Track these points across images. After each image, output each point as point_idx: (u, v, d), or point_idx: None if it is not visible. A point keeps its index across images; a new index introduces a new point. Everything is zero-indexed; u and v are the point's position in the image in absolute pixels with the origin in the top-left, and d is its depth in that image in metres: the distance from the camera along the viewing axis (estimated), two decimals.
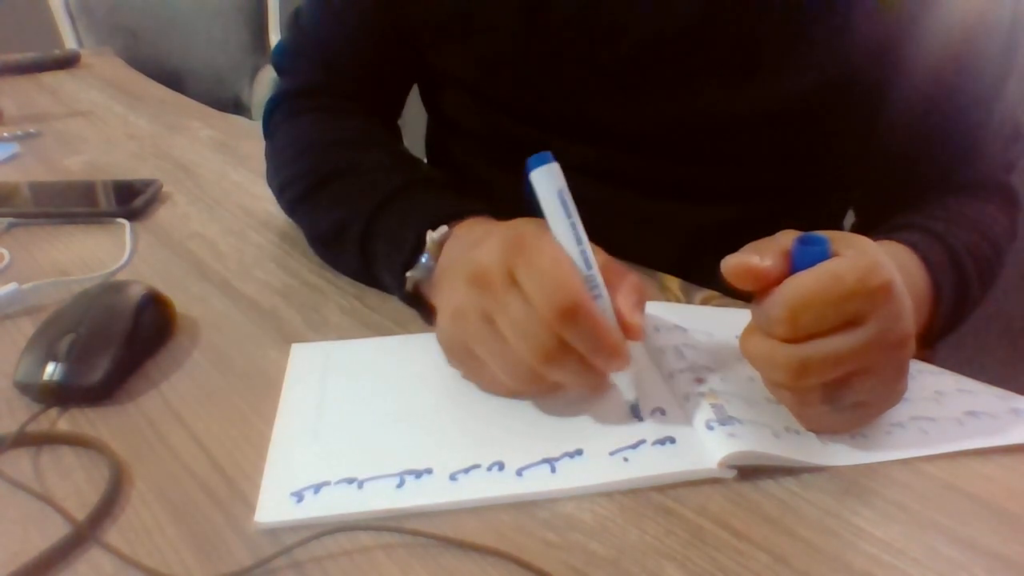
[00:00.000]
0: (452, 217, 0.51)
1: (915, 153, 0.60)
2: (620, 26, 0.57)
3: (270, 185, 0.68)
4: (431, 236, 0.50)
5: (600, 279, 0.41)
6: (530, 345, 0.39)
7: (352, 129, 0.65)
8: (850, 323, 0.36)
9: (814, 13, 0.54)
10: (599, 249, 0.42)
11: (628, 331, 0.41)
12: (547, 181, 0.40)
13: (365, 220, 0.54)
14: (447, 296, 0.44)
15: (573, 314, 0.38)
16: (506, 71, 0.63)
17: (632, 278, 0.42)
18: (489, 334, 0.41)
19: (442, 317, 0.44)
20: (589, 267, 0.40)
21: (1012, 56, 0.57)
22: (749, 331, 0.39)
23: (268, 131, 0.70)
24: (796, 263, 0.37)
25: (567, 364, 0.39)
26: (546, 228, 0.41)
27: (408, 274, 0.51)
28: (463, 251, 0.46)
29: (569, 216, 0.41)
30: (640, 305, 0.42)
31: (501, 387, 0.43)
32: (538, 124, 0.65)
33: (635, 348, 0.41)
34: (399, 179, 0.56)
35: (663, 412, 0.42)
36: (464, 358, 0.44)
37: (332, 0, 0.68)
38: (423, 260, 0.50)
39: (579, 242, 0.40)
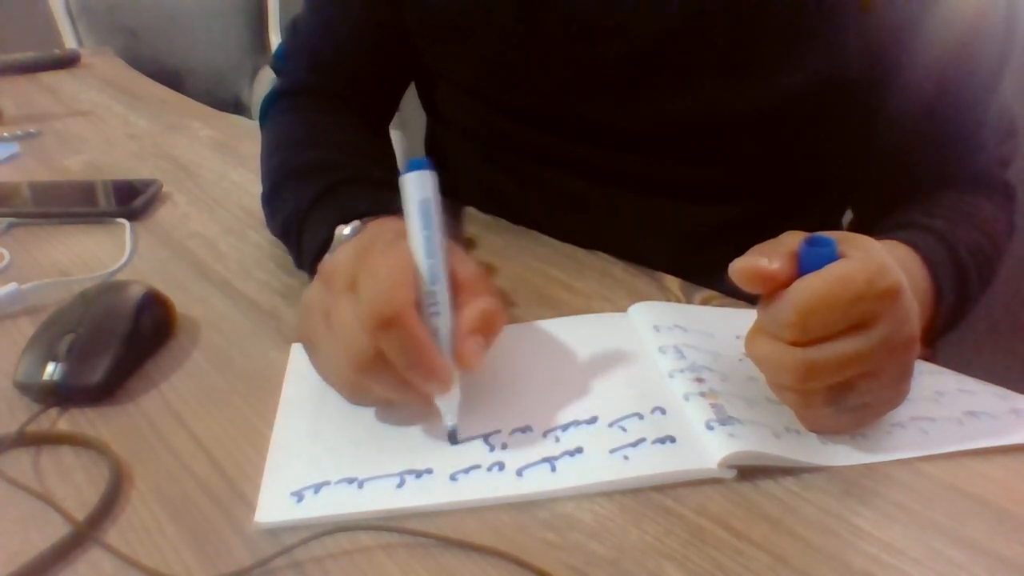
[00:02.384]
0: (367, 214, 0.50)
1: (912, 150, 0.60)
2: (616, 25, 0.57)
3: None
4: (340, 232, 0.50)
5: (445, 296, 0.40)
6: (348, 351, 0.38)
7: (315, 128, 0.66)
8: (858, 326, 0.36)
9: (810, 11, 0.54)
10: (470, 263, 0.42)
11: (458, 356, 0.40)
12: (413, 189, 0.40)
13: (299, 218, 0.55)
14: (308, 288, 0.44)
15: (389, 325, 0.37)
16: (503, 72, 0.63)
17: (484, 303, 0.41)
18: (324, 332, 0.40)
19: (299, 305, 0.44)
20: (434, 282, 0.39)
21: (1007, 51, 0.57)
22: (755, 333, 0.39)
23: (261, 129, 0.72)
24: (803, 265, 0.37)
25: (382, 376, 0.38)
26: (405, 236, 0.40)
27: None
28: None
29: (426, 228, 0.40)
30: (483, 331, 0.40)
31: (332, 384, 0.42)
32: (535, 124, 0.65)
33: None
34: (334, 177, 0.56)
35: (663, 412, 0.42)
36: (308, 348, 0.43)
37: (322, 6, 0.69)
38: (327, 254, 0.49)
39: (430, 255, 0.40)
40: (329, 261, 0.42)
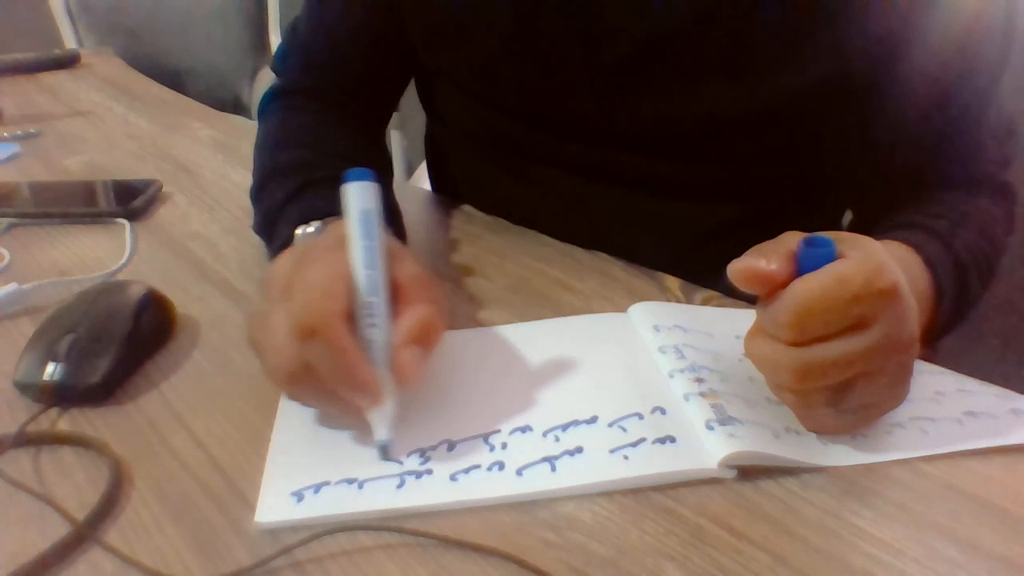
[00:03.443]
0: (329, 215, 0.50)
1: (912, 150, 0.60)
2: (614, 26, 0.57)
3: None
4: (299, 232, 0.50)
5: (383, 308, 0.39)
6: (276, 359, 0.38)
7: (303, 128, 0.66)
8: (856, 326, 0.36)
9: (809, 12, 0.54)
10: (416, 274, 0.41)
11: (396, 369, 0.39)
12: (354, 199, 0.40)
13: (271, 219, 0.56)
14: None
15: (313, 336, 0.36)
16: (501, 72, 0.63)
17: (423, 313, 0.40)
18: (262, 339, 0.40)
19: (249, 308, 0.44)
20: (371, 294, 0.39)
21: (1007, 52, 0.57)
22: (753, 333, 0.39)
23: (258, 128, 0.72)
24: (802, 265, 0.37)
25: (310, 387, 0.38)
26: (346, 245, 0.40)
27: None
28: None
29: (365, 239, 0.39)
30: (421, 343, 0.39)
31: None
32: (535, 124, 0.65)
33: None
34: (306, 177, 0.56)
35: (663, 412, 0.42)
36: (254, 350, 0.43)
37: (319, 8, 0.69)
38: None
39: (368, 266, 0.39)
40: (271, 267, 0.42)
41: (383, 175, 0.66)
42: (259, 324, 0.40)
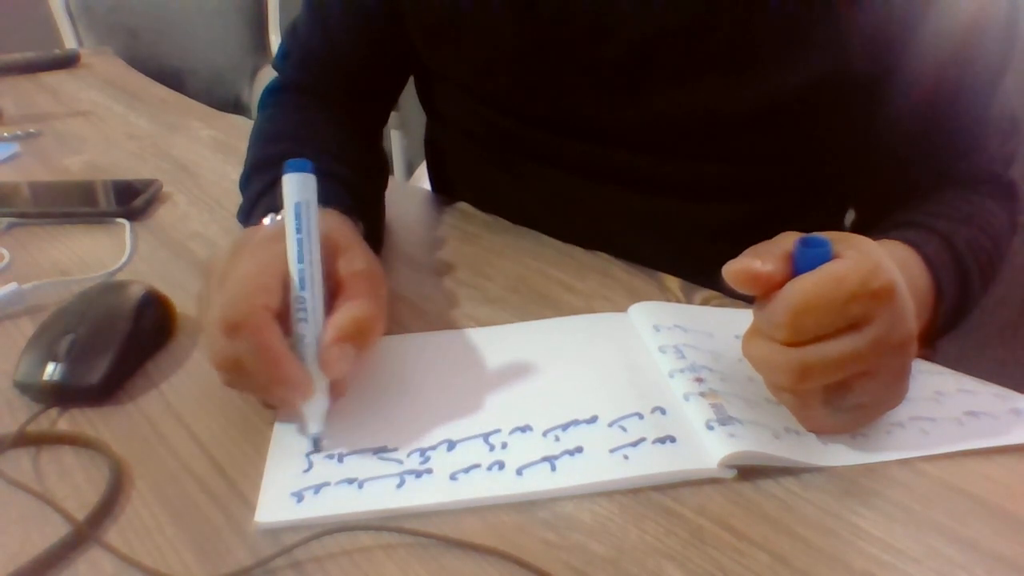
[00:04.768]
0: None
1: (914, 148, 0.60)
2: (614, 24, 0.57)
3: None
4: (266, 222, 0.49)
5: (316, 303, 0.40)
6: (210, 351, 0.39)
7: (292, 123, 0.67)
8: (852, 326, 0.36)
9: (810, 9, 0.54)
10: (359, 269, 0.42)
11: (322, 364, 0.39)
12: (291, 189, 0.40)
13: (249, 211, 0.57)
14: None
15: (237, 332, 0.37)
16: (501, 71, 0.63)
17: (357, 310, 0.40)
18: (206, 325, 0.41)
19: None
20: (303, 288, 0.39)
21: (1009, 50, 0.57)
22: (751, 334, 0.39)
23: None
24: (798, 265, 0.37)
25: (243, 378, 0.39)
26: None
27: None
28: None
29: (299, 231, 0.39)
30: (354, 339, 0.39)
31: None
32: (534, 123, 0.65)
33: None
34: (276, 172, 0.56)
35: (663, 412, 0.42)
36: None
37: (318, 7, 0.69)
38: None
39: (300, 260, 0.39)
40: (211, 258, 0.43)
41: (375, 173, 0.67)
42: (201, 312, 0.42)
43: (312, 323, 0.39)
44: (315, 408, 0.40)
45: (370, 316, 0.41)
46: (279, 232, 0.41)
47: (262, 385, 0.39)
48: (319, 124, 0.66)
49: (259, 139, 0.65)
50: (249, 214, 0.56)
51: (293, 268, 0.39)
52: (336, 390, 0.41)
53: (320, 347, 0.39)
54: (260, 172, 0.59)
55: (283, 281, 0.40)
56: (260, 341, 0.37)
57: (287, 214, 0.40)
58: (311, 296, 0.39)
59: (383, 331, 0.42)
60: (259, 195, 0.56)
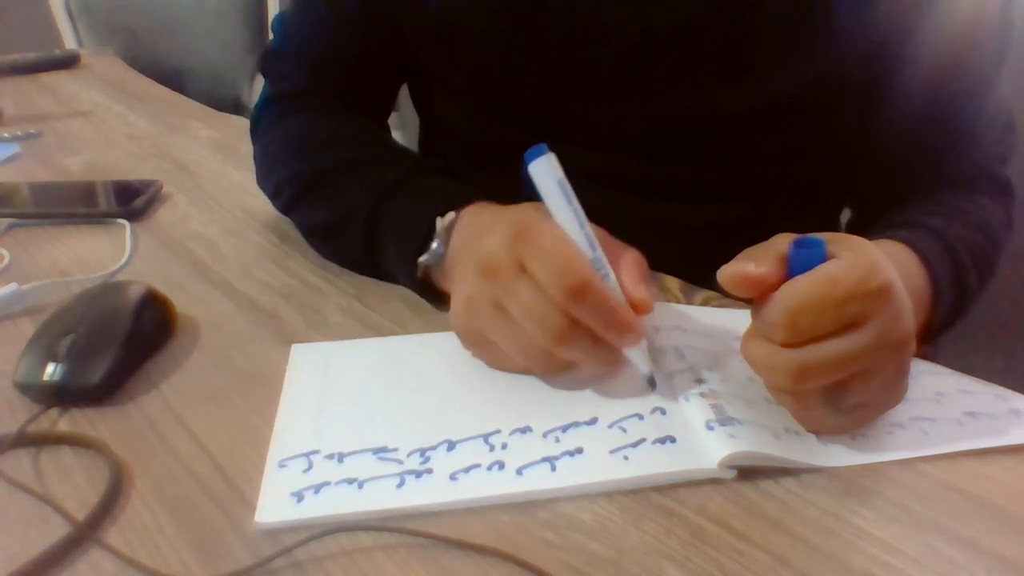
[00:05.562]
0: (458, 203, 0.52)
1: (910, 148, 0.60)
2: (612, 27, 0.57)
3: (262, 188, 0.68)
4: (440, 222, 0.51)
5: (605, 260, 0.42)
6: (543, 327, 0.40)
7: (343, 127, 0.66)
8: (849, 326, 0.36)
9: (806, 11, 0.54)
10: (599, 228, 0.43)
11: (635, 306, 0.42)
12: (546, 172, 0.41)
13: (368, 210, 0.55)
14: (459, 285, 0.45)
15: (582, 294, 0.39)
16: (498, 76, 0.63)
17: (633, 254, 0.44)
18: (502, 321, 0.42)
19: (455, 305, 0.45)
20: (594, 249, 0.42)
21: (1004, 49, 0.58)
22: (749, 335, 0.39)
23: (256, 135, 0.70)
24: (793, 267, 0.37)
25: (579, 342, 0.41)
26: (547, 214, 0.42)
27: (420, 260, 0.52)
28: (472, 237, 0.47)
29: (570, 203, 0.42)
30: (644, 279, 0.43)
31: (516, 367, 0.45)
32: (531, 127, 0.65)
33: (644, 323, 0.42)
34: (401, 170, 0.57)
35: (663, 412, 0.42)
36: (478, 342, 0.45)
37: (316, 4, 0.68)
38: (434, 246, 0.51)
39: (582, 226, 0.42)
40: (480, 253, 0.42)
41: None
42: (490, 309, 0.42)
43: (612, 277, 0.42)
44: (642, 350, 0.43)
45: (641, 257, 0.44)
46: (533, 212, 0.43)
47: (596, 346, 0.41)
48: (355, 125, 0.66)
49: (303, 149, 0.64)
50: (376, 214, 0.55)
51: (578, 235, 0.42)
52: (639, 334, 0.42)
53: (628, 292, 0.42)
54: (341, 175, 0.59)
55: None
56: (605, 297, 0.40)
57: (553, 193, 0.42)
58: (601, 255, 0.42)
59: None
60: (383, 197, 0.55)
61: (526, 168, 0.41)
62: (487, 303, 0.42)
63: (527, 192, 0.42)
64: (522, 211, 0.44)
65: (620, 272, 0.43)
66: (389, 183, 0.56)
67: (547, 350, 0.41)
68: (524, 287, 0.40)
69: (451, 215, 0.51)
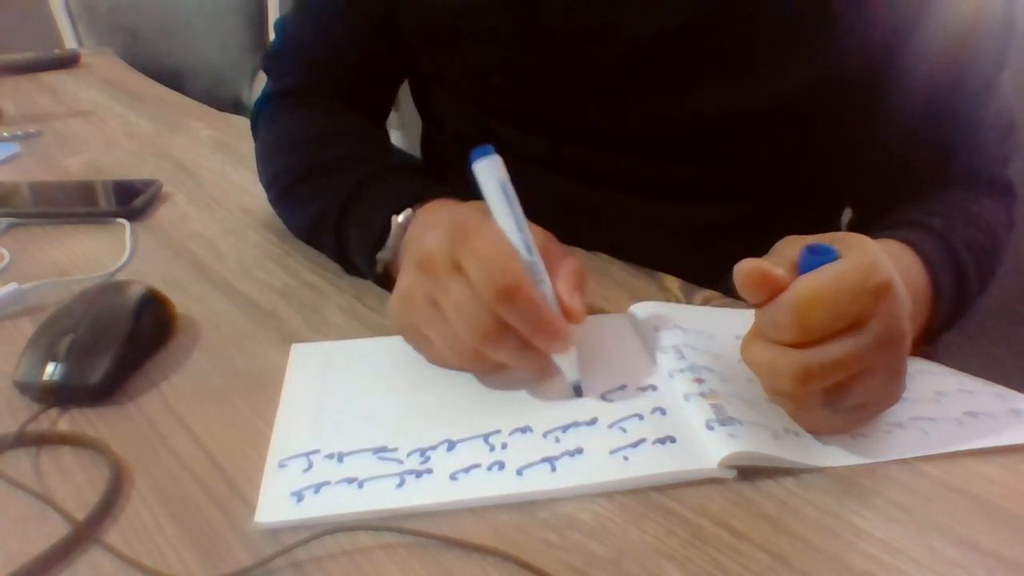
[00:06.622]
0: (415, 201, 0.52)
1: (911, 148, 0.60)
2: (612, 28, 0.57)
3: (261, 182, 0.69)
4: (396, 220, 0.52)
5: (541, 265, 0.42)
6: (471, 326, 0.40)
7: (331, 125, 0.67)
8: (852, 326, 0.36)
9: (808, 11, 0.54)
10: (541, 231, 0.44)
11: (568, 313, 0.42)
12: (489, 173, 0.42)
13: (338, 210, 0.57)
14: (400, 278, 0.46)
15: (512, 296, 0.39)
16: (499, 76, 0.63)
17: (571, 262, 0.44)
18: (434, 316, 0.43)
19: (393, 297, 0.46)
20: (530, 253, 0.42)
21: (1005, 49, 0.57)
22: (750, 338, 0.39)
23: (255, 131, 0.72)
24: (803, 272, 0.37)
25: (506, 344, 0.41)
26: (489, 216, 0.42)
27: (378, 256, 0.53)
28: (420, 233, 0.49)
29: (511, 205, 0.42)
30: (579, 288, 0.43)
31: (448, 363, 0.46)
32: (532, 128, 0.65)
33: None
34: (368, 169, 0.58)
35: (663, 412, 0.42)
36: (414, 336, 0.46)
37: (314, 6, 0.69)
38: (389, 243, 0.52)
39: (520, 230, 0.42)
40: (419, 249, 0.43)
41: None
42: (424, 304, 0.43)
43: (546, 284, 0.43)
44: (571, 358, 0.43)
45: (580, 265, 0.44)
46: (476, 212, 0.43)
47: (522, 348, 0.41)
48: (353, 124, 0.67)
49: (298, 145, 0.65)
50: (343, 213, 0.56)
51: (516, 238, 0.42)
52: (567, 342, 0.43)
53: (562, 300, 0.43)
54: (327, 175, 0.59)
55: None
56: (534, 301, 0.40)
57: (494, 195, 0.42)
58: (538, 260, 0.42)
59: None
60: (351, 195, 0.56)
61: (470, 168, 0.42)
62: (421, 298, 0.43)
63: (473, 186, 0.42)
64: (468, 210, 0.45)
65: (557, 279, 0.43)
66: (356, 183, 0.56)
67: (475, 349, 0.41)
68: (456, 285, 0.41)
69: (407, 212, 0.52)
